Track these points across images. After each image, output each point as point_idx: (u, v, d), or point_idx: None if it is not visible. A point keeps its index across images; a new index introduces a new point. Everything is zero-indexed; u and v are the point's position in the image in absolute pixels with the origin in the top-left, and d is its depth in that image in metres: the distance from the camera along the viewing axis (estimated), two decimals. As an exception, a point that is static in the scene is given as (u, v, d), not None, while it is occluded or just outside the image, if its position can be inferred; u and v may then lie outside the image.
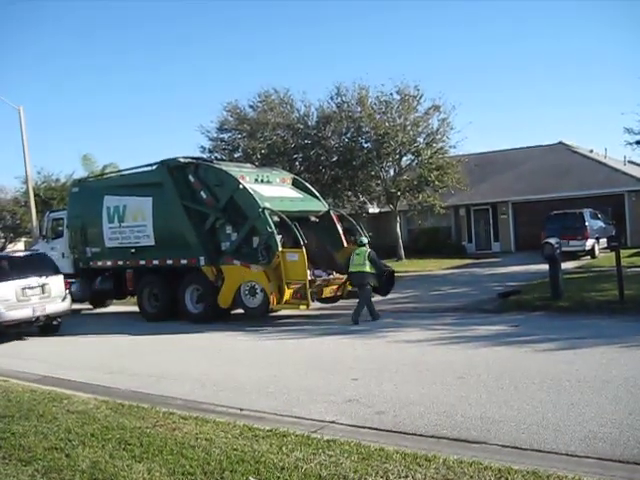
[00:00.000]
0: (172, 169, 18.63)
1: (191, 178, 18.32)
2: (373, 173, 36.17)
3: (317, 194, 20.31)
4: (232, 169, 18.51)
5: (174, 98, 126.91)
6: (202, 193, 18.02)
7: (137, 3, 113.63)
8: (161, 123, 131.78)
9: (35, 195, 37.89)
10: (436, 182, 35.00)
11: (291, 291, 16.17)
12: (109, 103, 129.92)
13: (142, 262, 19.55)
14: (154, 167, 19.65)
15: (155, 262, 19.19)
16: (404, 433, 6.87)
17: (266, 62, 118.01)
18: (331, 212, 19.68)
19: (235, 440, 6.71)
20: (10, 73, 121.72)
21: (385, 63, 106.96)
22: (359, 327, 14.79)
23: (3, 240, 56.72)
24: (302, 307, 16.44)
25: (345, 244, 19.10)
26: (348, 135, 36.32)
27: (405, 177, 36.16)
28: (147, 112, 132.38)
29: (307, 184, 20.73)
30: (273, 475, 5.69)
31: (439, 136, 35.09)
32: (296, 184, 20.27)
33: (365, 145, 35.98)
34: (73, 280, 20.78)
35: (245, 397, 8.79)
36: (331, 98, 36.21)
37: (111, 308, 23.55)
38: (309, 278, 16.56)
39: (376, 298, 16.66)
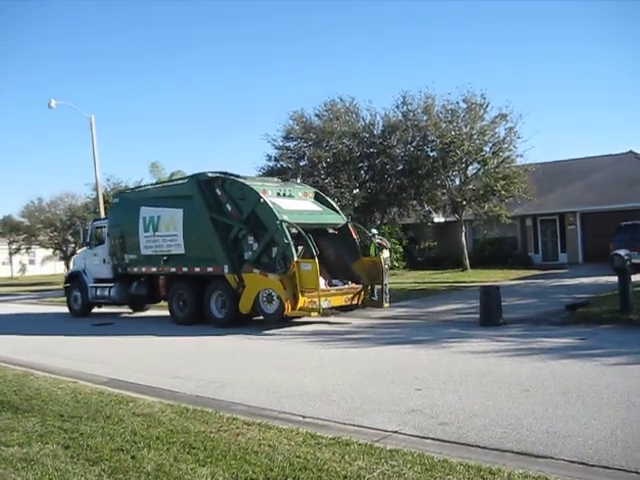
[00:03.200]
0: (201, 183, 19.91)
1: (218, 191, 19.50)
2: (439, 182, 36.00)
3: (336, 207, 21.41)
4: (255, 184, 19.55)
5: (241, 106, 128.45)
6: (227, 206, 19.18)
7: (205, 3, 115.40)
8: (228, 132, 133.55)
9: (104, 202, 38.71)
10: (502, 192, 34.66)
11: (305, 298, 17.31)
12: (178, 110, 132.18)
13: (173, 269, 21.00)
14: (185, 181, 21.34)
15: (184, 269, 20.56)
16: (468, 445, 6.76)
17: (332, 71, 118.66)
18: (349, 225, 20.69)
19: (298, 447, 6.71)
20: (82, 81, 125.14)
21: (452, 71, 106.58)
22: (423, 337, 14.63)
23: (73, 245, 58.11)
24: (314, 314, 17.46)
25: (361, 255, 20.25)
26: (414, 144, 36.25)
27: (471, 186, 35.95)
28: (214, 120, 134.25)
29: (328, 198, 21.82)
30: (335, 483, 5.73)
31: (506, 145, 34.79)
32: (318, 198, 21.33)
33: (431, 154, 35.82)
34: (112, 284, 23.41)
35: (308, 405, 8.79)
36: (397, 107, 36.30)
37: (149, 312, 24.75)
38: (323, 287, 17.96)
39: (439, 308, 16.56)
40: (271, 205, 18.33)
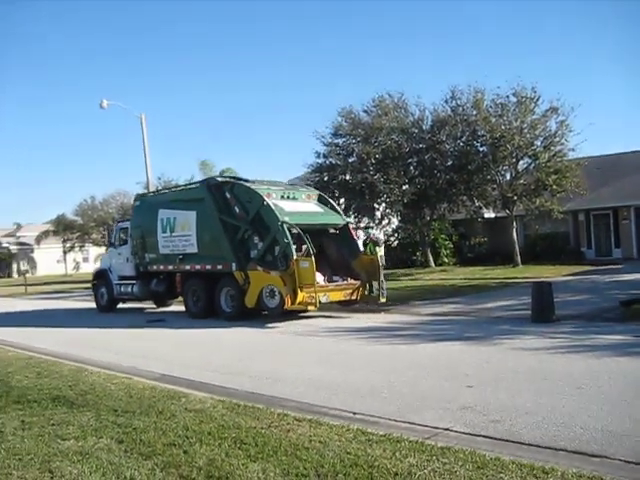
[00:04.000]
0: (212, 187, 21.52)
1: (227, 195, 20.95)
2: (489, 177, 35.69)
3: (338, 209, 23.14)
4: (261, 187, 20.88)
5: (291, 104, 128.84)
6: (235, 208, 20.65)
7: (253, 2, 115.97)
8: (277, 130, 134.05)
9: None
10: (554, 186, 34.20)
11: (304, 294, 18.51)
12: (229, 108, 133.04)
13: (187, 267, 22.64)
14: (198, 185, 23.27)
15: (197, 267, 22.19)
16: (520, 443, 6.68)
17: (381, 66, 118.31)
18: (349, 225, 22.26)
19: (348, 444, 6.70)
20: (132, 79, 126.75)
21: (501, 65, 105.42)
22: (474, 333, 14.50)
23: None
24: (310, 308, 18.83)
25: (360, 253, 21.56)
26: (463, 139, 36.01)
27: (522, 181, 35.50)
28: (264, 118, 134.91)
29: (330, 200, 23.11)
30: (387, 480, 5.74)
31: (557, 139, 34.24)
32: (321, 200, 22.69)
33: (480, 149, 35.58)
34: (135, 282, 25.22)
35: (359, 401, 8.77)
36: (446, 101, 36.05)
37: (172, 307, 26.15)
38: (322, 283, 19.75)
39: (490, 305, 16.38)
40: (273, 207, 19.73)
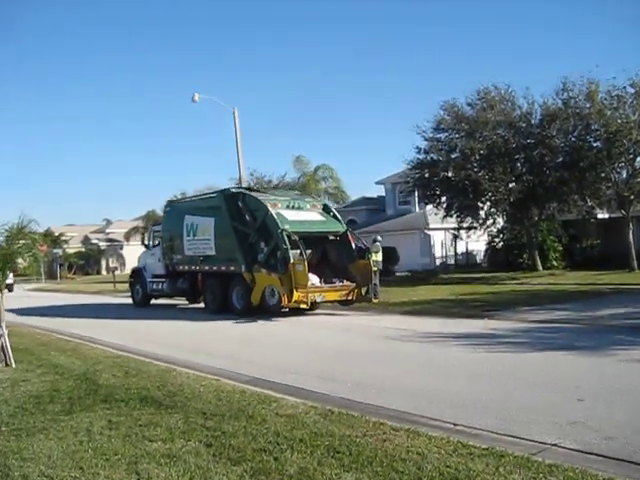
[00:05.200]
0: (227, 196, 25.33)
1: (240, 204, 24.55)
2: (603, 175, 34.67)
3: (339, 217, 25.89)
4: (268, 198, 24.90)
5: (389, 96, 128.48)
6: (246, 216, 24.18)
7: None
8: (375, 126, 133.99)
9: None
10: (676, 185, 33.01)
11: (299, 293, 21.72)
12: (324, 102, 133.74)
13: (207, 268, 26.32)
14: (216, 195, 27.09)
15: (214, 268, 25.79)
16: (636, 464, 6.40)
17: (484, 58, 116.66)
18: (348, 232, 25.00)
19: (448, 457, 6.59)
20: (224, 75, 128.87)
21: (616, 54, 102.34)
22: (585, 343, 14.06)
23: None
24: (302, 305, 21.98)
25: (357, 258, 24.25)
26: (575, 134, 35.16)
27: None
28: (360, 111, 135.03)
29: (333, 209, 26.74)
30: (489, 498, 5.58)
31: (681, 133, 33.26)
32: (325, 209, 26.04)
33: (594, 144, 34.63)
34: (164, 280, 29.11)
35: (460, 412, 8.64)
36: (556, 94, 35.27)
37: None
38: (317, 284, 23.04)
39: (603, 312, 15.93)
40: (276, 216, 22.99)
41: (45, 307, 32.85)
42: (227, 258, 24.84)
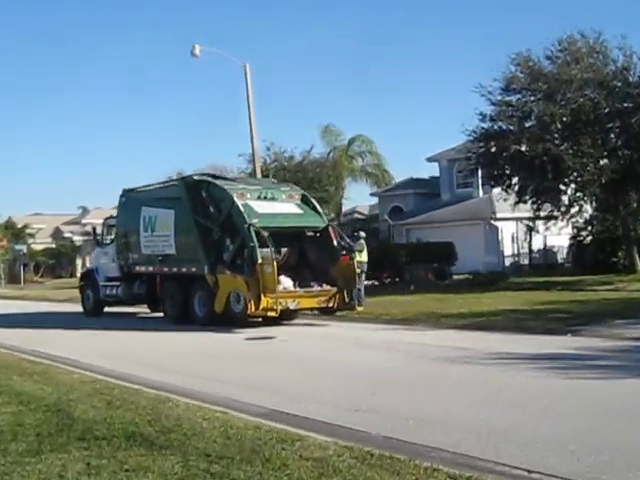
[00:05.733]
0: (189, 185, 27.03)
1: (204, 194, 26.12)
2: None
3: (320, 211, 27.42)
4: (235, 187, 26.34)
5: (441, 49, 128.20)
6: (211, 208, 25.78)
7: None
8: (425, 83, 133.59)
9: (263, 177, 39.56)
10: None
11: (268, 299, 22.69)
12: (359, 60, 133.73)
13: (166, 269, 27.81)
14: (177, 183, 29.13)
15: (174, 269, 27.26)
16: None
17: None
18: (329, 228, 26.54)
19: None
20: (235, 23, 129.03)
21: None
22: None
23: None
24: (271, 314, 23.05)
25: (340, 258, 25.58)
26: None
27: None
28: (406, 69, 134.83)
29: (313, 200, 27.73)
30: None
31: None
32: (304, 200, 27.35)
33: None
34: (119, 283, 30.40)
35: (535, 455, 8.55)
36: (662, 43, 34.99)
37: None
38: (291, 289, 24.20)
39: None
40: (242, 209, 24.17)
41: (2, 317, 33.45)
42: (188, 258, 26.30)
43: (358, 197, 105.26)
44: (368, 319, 25.34)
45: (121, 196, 32.17)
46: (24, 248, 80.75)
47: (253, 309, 22.68)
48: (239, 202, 24.34)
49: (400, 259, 43.97)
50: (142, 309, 32.27)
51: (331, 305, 24.81)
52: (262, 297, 22.50)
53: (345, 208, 72.13)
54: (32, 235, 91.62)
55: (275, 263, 22.56)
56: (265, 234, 23.12)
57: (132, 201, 30.14)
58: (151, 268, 28.43)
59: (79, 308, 35.71)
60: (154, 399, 12.42)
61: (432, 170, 57.34)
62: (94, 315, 31.46)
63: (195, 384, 14.26)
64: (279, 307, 22.81)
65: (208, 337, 23.11)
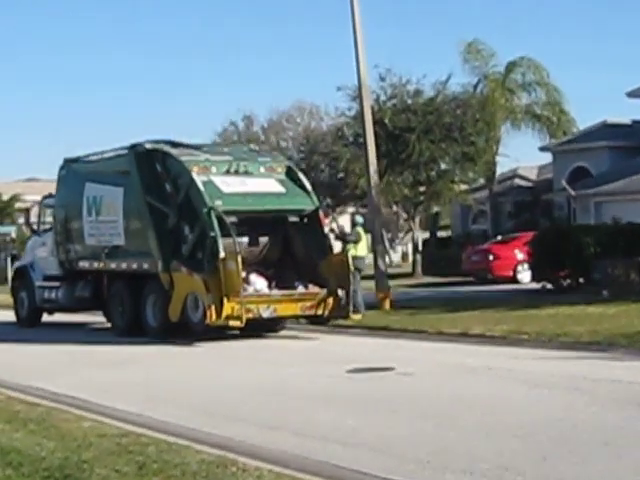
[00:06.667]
0: (140, 156, 27.54)
1: (158, 168, 26.98)
2: None
3: (308, 188, 28.02)
4: (197, 158, 27.18)
5: None
6: (167, 186, 26.53)
7: None
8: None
9: (375, 122, 39.61)
10: None
11: (233, 304, 23.92)
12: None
13: (113, 265, 28.69)
14: (126, 152, 28.80)
15: (123, 266, 28.21)
16: None
17: None
18: (319, 211, 27.38)
19: None
20: None
21: None
22: None
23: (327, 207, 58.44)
24: (234, 323, 24.50)
25: (332, 251, 27.55)
26: None
27: None
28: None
29: (301, 175, 28.88)
30: None
31: None
32: (289, 174, 28.47)
33: None
34: (59, 284, 31.82)
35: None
36: None
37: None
38: (264, 291, 26.10)
39: None
40: (202, 187, 24.93)
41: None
42: (139, 251, 27.71)
43: (521, 154, 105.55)
44: (537, 342, 24.41)
45: (61, 168, 33.93)
46: (12, 231, 77.18)
47: (213, 317, 23.99)
48: (199, 178, 25.60)
49: (586, 249, 39.71)
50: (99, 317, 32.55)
51: (320, 312, 26.29)
52: (225, 302, 23.62)
53: (501, 170, 68.68)
54: (25, 210, 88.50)
55: (240, 258, 23.40)
56: (229, 220, 24.42)
57: (74, 175, 32.01)
58: (96, 264, 29.86)
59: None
60: (210, 461, 11.32)
61: (634, 110, 56.45)
62: (30, 325, 33.58)
63: (261, 434, 13.54)
64: (245, 315, 23.87)
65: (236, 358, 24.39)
